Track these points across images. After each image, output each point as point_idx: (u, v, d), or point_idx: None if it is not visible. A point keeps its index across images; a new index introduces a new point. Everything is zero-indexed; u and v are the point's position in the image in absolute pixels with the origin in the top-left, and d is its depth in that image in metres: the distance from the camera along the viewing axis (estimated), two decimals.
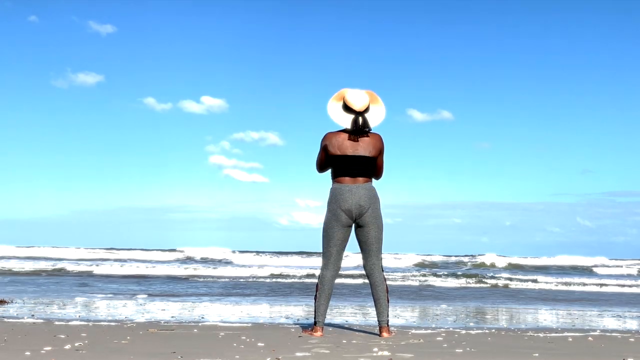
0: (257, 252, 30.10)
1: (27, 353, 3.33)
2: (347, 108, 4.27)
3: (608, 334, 4.97)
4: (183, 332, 4.50)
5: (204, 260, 23.63)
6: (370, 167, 4.27)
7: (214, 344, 3.83)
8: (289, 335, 4.35)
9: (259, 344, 3.81)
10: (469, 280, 14.18)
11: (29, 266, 16.34)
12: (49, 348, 3.53)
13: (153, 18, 27.33)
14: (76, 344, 3.70)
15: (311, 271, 15.27)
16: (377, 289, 4.29)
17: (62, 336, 4.08)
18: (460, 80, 28.89)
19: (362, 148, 4.23)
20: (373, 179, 4.36)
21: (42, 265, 16.55)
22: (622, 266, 23.48)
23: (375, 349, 3.69)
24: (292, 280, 13.71)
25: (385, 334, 4.29)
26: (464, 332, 4.85)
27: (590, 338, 4.61)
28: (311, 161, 4.50)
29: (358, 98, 4.26)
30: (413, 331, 4.78)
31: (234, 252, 28.30)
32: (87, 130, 29.83)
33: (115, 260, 21.87)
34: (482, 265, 23.18)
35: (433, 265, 22.86)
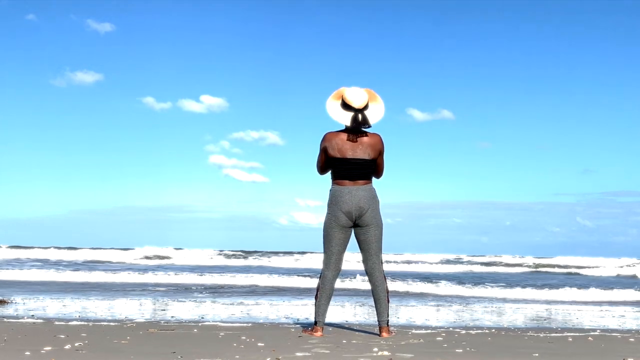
0: (249, 252, 30.08)
1: (27, 353, 3.33)
2: (345, 106, 4.24)
3: (608, 334, 4.97)
4: (183, 332, 4.50)
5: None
6: (370, 169, 4.26)
7: (214, 344, 3.83)
8: (289, 335, 4.35)
9: (259, 344, 3.81)
10: None
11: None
12: (49, 348, 3.53)
13: (152, 16, 27.35)
14: (76, 344, 3.70)
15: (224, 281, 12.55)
16: (377, 288, 4.28)
17: (62, 336, 4.07)
18: (461, 80, 28.94)
19: (362, 150, 4.21)
20: (373, 179, 4.36)
21: None
22: None
23: (375, 349, 3.69)
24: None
25: (385, 334, 4.29)
26: (463, 332, 4.85)
27: (590, 338, 4.61)
28: (312, 161, 4.49)
29: (357, 95, 4.23)
30: (413, 331, 4.78)
31: (225, 252, 28.31)
32: (85, 129, 29.86)
33: None
34: None
35: None
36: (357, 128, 4.22)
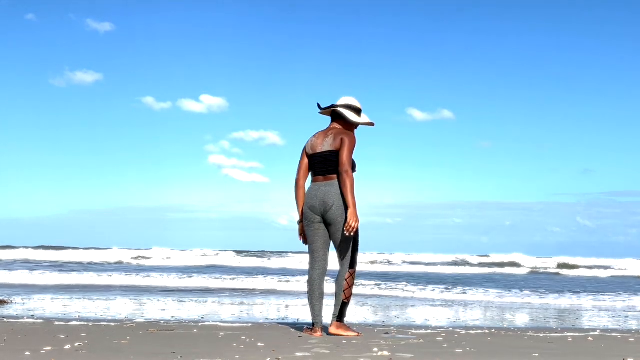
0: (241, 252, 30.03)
1: (27, 353, 3.33)
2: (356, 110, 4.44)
3: (608, 334, 4.96)
4: (183, 332, 4.50)
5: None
6: (334, 161, 4.26)
7: (214, 344, 3.83)
8: (289, 335, 4.35)
9: (259, 344, 3.81)
10: None
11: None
12: (48, 348, 3.53)
13: (152, 16, 27.37)
14: (76, 344, 3.70)
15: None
16: (336, 284, 4.33)
17: (62, 336, 4.07)
18: (461, 79, 28.97)
19: (328, 143, 4.29)
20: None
21: None
22: None
23: (375, 349, 3.69)
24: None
25: (331, 329, 4.30)
26: (463, 332, 4.85)
27: (590, 338, 4.61)
28: None
29: (345, 98, 4.42)
30: (413, 331, 4.78)
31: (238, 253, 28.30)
32: (85, 129, 29.89)
33: None
34: None
35: None
36: (329, 107, 4.37)
